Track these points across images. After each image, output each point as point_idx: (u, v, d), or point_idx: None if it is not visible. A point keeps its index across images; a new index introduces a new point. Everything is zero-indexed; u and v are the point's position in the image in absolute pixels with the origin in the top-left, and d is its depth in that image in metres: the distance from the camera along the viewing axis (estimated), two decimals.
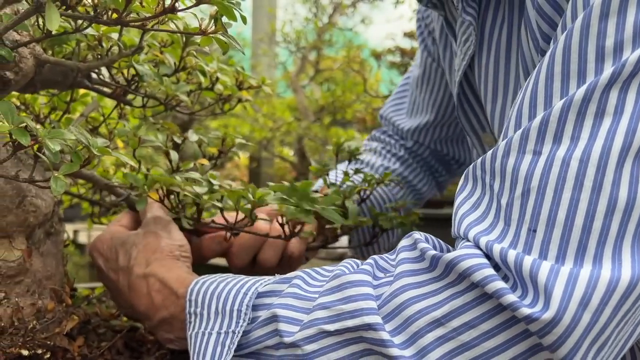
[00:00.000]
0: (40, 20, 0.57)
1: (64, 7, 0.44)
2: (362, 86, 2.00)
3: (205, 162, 0.63)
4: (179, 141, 0.62)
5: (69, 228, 2.84)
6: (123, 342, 0.59)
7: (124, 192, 0.64)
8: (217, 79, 0.75)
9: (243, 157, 3.50)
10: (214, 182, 0.58)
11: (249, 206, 0.58)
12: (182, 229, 0.61)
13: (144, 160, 0.72)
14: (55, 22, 0.34)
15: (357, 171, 0.79)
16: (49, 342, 0.52)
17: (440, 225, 1.42)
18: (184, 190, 0.54)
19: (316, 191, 0.80)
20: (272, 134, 2.08)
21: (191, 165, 0.62)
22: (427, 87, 0.94)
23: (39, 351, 0.51)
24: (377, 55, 2.37)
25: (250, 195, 0.57)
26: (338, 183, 0.78)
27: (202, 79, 0.64)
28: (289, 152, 2.67)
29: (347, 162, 0.84)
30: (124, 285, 0.58)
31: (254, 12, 2.79)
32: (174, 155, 0.59)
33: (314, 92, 2.39)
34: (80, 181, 0.81)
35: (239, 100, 0.82)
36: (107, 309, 0.77)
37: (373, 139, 1.04)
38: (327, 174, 0.80)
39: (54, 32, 0.49)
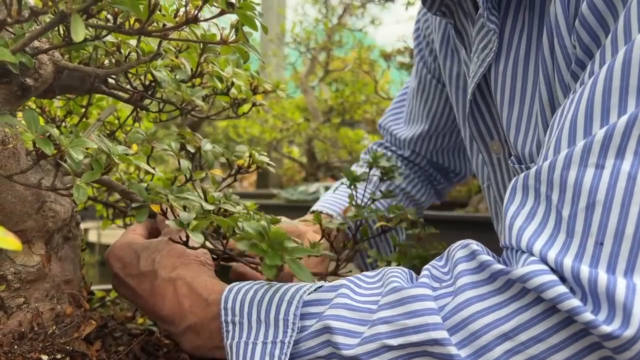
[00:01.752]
0: (60, 27, 0.58)
1: (85, 16, 0.45)
2: (372, 87, 2.00)
3: (218, 172, 0.62)
4: (192, 150, 0.62)
5: None
6: (140, 346, 0.60)
7: (140, 198, 0.64)
8: (233, 83, 0.75)
9: None
10: (206, 206, 0.55)
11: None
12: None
13: (154, 161, 0.72)
14: (80, 33, 0.34)
15: (385, 195, 0.80)
16: (67, 347, 0.52)
17: (451, 228, 1.42)
18: (174, 212, 0.53)
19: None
20: (282, 135, 2.08)
21: (203, 175, 0.62)
22: (422, 97, 0.96)
23: (58, 356, 0.52)
24: (386, 56, 2.36)
25: (242, 225, 0.55)
26: (362, 203, 0.80)
27: (218, 84, 0.64)
28: (297, 153, 2.67)
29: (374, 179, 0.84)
30: (145, 290, 0.58)
31: (263, 13, 2.78)
32: (184, 165, 0.59)
33: (323, 93, 2.39)
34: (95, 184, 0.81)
35: (253, 104, 0.83)
36: (122, 312, 0.78)
37: (370, 152, 1.05)
38: (356, 189, 0.80)
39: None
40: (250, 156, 0.71)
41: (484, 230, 1.36)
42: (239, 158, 0.70)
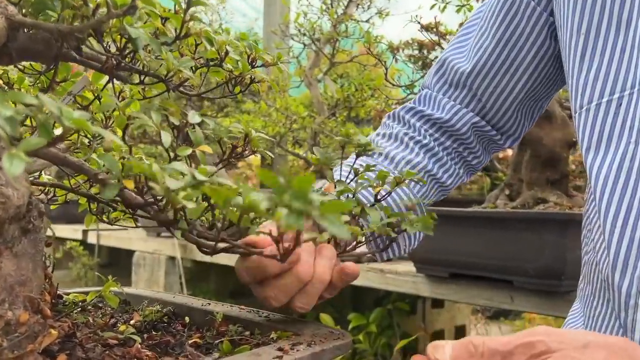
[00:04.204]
0: None
1: None
2: (380, 79, 1.90)
3: (207, 149, 0.52)
4: (176, 122, 0.52)
5: (78, 228, 2.75)
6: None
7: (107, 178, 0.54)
8: (227, 52, 0.65)
9: (255, 158, 3.41)
10: (200, 176, 0.44)
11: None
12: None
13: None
14: None
15: (368, 168, 0.66)
16: None
17: (469, 225, 1.32)
18: (158, 184, 0.42)
19: (319, 190, 0.69)
20: (285, 129, 1.98)
21: (189, 151, 0.51)
22: (505, 18, 0.81)
23: None
24: (393, 49, 2.26)
25: (240, 199, 0.45)
26: (346, 180, 0.66)
27: (208, 48, 0.54)
28: (302, 151, 2.56)
29: (354, 156, 0.71)
30: None
31: (266, 2, 2.68)
32: (165, 138, 0.48)
33: (328, 87, 2.29)
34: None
35: (252, 81, 0.73)
36: (102, 317, 0.68)
37: (396, 118, 0.90)
38: (331, 168, 0.69)
39: None
40: (246, 137, 0.61)
41: (503, 227, 1.25)
42: (234, 138, 0.61)
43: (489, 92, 0.84)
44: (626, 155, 0.63)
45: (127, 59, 0.56)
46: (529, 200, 1.36)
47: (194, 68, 0.65)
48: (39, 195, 0.75)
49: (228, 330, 0.62)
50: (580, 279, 0.76)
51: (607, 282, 0.64)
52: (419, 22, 1.57)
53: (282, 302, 0.62)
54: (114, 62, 0.55)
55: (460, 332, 2.90)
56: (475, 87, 0.85)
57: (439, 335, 2.76)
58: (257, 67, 0.70)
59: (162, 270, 2.34)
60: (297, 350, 0.50)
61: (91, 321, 0.65)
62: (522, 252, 1.18)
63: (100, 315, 0.71)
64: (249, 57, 0.69)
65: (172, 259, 2.33)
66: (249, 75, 0.71)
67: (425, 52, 2.41)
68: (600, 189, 0.64)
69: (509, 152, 2.42)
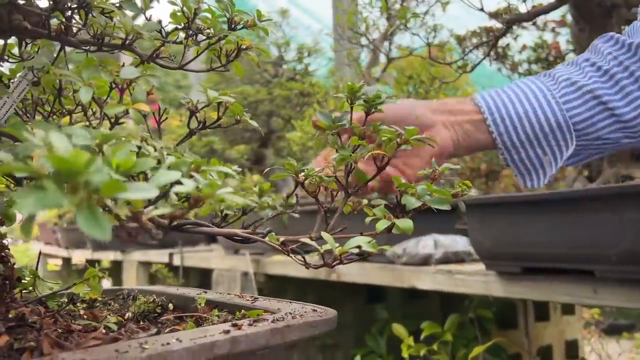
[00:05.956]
0: None
1: None
2: (437, 70, 1.78)
3: (144, 107, 0.45)
4: (109, 78, 0.46)
5: (164, 252, 2.78)
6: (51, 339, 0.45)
7: None
8: (196, 12, 0.60)
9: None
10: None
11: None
12: None
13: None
14: None
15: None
16: None
17: (537, 212, 1.16)
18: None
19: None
20: None
21: (120, 109, 0.45)
22: None
23: None
24: (460, 40, 2.13)
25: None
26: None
27: None
28: None
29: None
30: None
31: (334, 10, 2.63)
32: (84, 95, 0.42)
33: (387, 85, 2.19)
34: None
35: (239, 50, 0.67)
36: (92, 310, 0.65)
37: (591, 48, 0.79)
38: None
39: None
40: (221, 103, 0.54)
41: (576, 210, 1.08)
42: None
43: None
44: None
45: (73, 19, 0.52)
46: (610, 178, 1.17)
47: (162, 33, 0.60)
48: None
49: (211, 315, 0.56)
50: None
51: None
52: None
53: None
54: (62, 26, 0.52)
55: (571, 348, 2.61)
56: None
57: (547, 351, 2.50)
58: (239, 29, 0.64)
59: (238, 287, 2.33)
60: (255, 327, 0.43)
61: (81, 313, 0.62)
62: (600, 236, 1.01)
63: (106, 310, 0.68)
64: (229, 20, 0.64)
65: (246, 274, 2.32)
66: (236, 44, 0.66)
67: (494, 39, 2.25)
68: None
69: None
